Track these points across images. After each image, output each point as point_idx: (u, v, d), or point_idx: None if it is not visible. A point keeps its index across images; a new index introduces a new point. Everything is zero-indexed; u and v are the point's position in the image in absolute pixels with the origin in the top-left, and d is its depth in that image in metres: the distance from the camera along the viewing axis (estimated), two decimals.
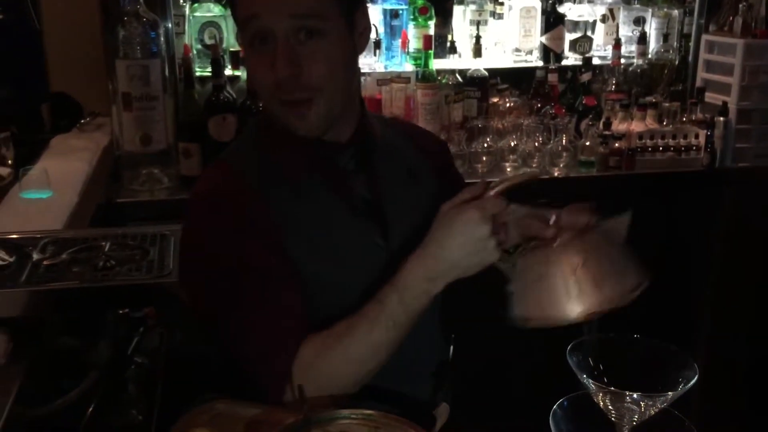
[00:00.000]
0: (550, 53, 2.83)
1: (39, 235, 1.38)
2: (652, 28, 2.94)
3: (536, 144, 2.57)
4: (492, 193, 1.11)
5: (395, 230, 1.32)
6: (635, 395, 0.86)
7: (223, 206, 1.25)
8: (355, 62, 1.31)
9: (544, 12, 2.83)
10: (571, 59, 2.88)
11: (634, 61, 2.91)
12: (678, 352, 0.92)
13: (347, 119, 1.33)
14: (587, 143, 2.59)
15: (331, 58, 1.20)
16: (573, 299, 1.03)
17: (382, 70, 2.66)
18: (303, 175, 1.28)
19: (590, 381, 0.90)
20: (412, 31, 2.67)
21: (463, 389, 1.25)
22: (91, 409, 1.25)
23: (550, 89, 2.80)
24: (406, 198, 1.36)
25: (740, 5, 2.71)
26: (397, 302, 1.14)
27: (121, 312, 1.48)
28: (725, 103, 2.68)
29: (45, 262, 1.26)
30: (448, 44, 2.76)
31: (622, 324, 1.12)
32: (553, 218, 1.10)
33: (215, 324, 1.24)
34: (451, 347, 1.49)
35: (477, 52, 2.70)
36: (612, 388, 0.88)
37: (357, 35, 1.27)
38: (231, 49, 2.54)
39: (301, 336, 1.18)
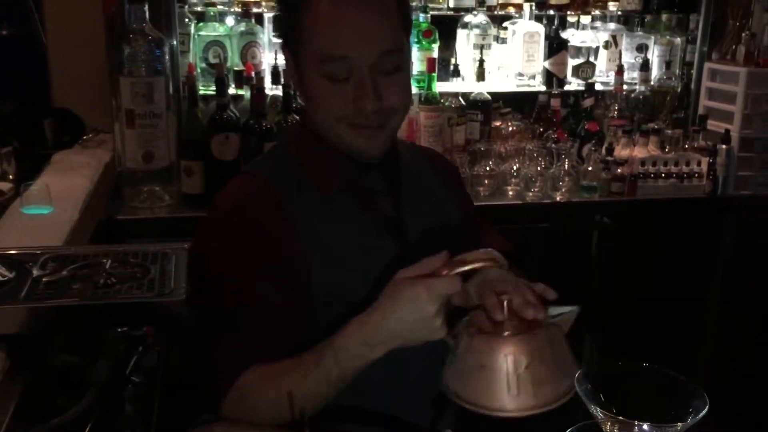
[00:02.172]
0: (552, 78, 2.84)
1: (39, 251, 1.37)
2: (654, 55, 2.95)
3: (538, 168, 2.57)
4: (451, 273, 1.10)
5: (415, 250, 1.31)
6: (645, 425, 0.85)
7: (240, 223, 1.28)
8: None
9: (547, 37, 2.84)
10: (574, 84, 2.89)
11: (637, 87, 2.92)
12: (688, 383, 0.91)
13: None
14: (589, 168, 2.59)
15: (404, 86, 1.30)
16: (511, 396, 1.05)
17: None
18: (334, 193, 1.31)
19: (598, 410, 0.89)
20: (416, 53, 2.67)
21: (470, 417, 1.23)
22: (88, 429, 1.22)
23: (553, 114, 2.81)
24: (426, 219, 1.38)
25: (743, 34, 2.73)
26: (331, 359, 1.14)
27: (120, 330, 1.46)
28: (728, 131, 2.69)
29: (45, 279, 1.24)
30: (452, 67, 2.77)
31: (627, 351, 1.11)
32: (506, 301, 1.10)
33: (198, 323, 1.28)
34: None
35: (480, 75, 2.71)
36: (621, 418, 0.87)
37: (410, 62, 1.36)
38: (235, 69, 2.55)
39: (248, 361, 1.22)
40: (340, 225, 1.29)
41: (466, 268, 1.11)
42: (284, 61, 1.32)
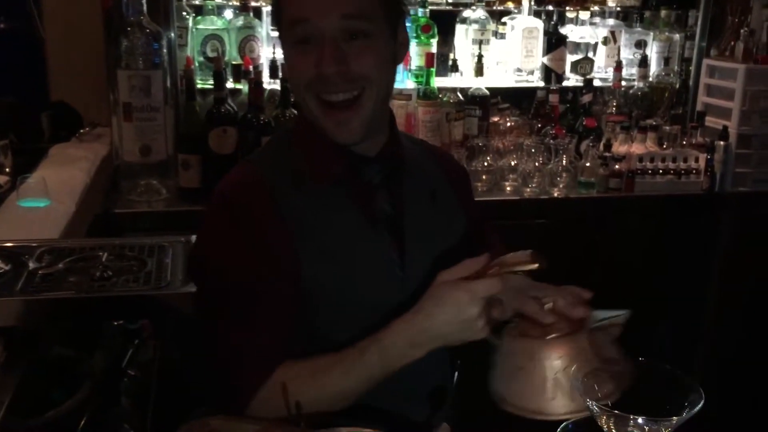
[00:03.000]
0: (551, 74, 2.84)
1: (36, 244, 1.36)
2: (653, 52, 2.95)
3: (536, 164, 2.57)
4: (492, 274, 1.11)
5: (411, 247, 1.33)
6: (640, 419, 0.85)
7: (236, 211, 1.28)
8: (395, 70, 1.34)
9: (546, 33, 2.84)
10: (572, 80, 2.89)
11: (635, 83, 2.92)
12: (684, 377, 0.91)
13: (378, 133, 1.34)
14: (587, 164, 2.59)
15: (375, 56, 1.24)
16: (550, 400, 1.06)
17: None
18: (328, 184, 1.30)
19: (594, 404, 0.89)
20: (414, 48, 2.67)
21: (468, 411, 1.24)
22: (83, 422, 1.22)
23: (551, 110, 2.80)
24: (426, 217, 1.37)
25: (742, 30, 2.73)
26: (377, 358, 1.15)
27: (116, 323, 1.46)
28: (725, 128, 2.69)
29: (41, 272, 1.24)
30: (450, 62, 2.77)
31: (623, 346, 1.11)
32: (549, 304, 1.12)
33: (203, 322, 1.26)
34: (456, 373, 1.48)
35: (479, 71, 2.70)
36: (616, 412, 0.87)
37: (398, 45, 1.30)
38: (233, 62, 2.54)
39: (279, 357, 1.21)
40: (334, 217, 1.28)
41: (509, 269, 1.11)
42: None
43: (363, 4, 1.21)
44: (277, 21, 1.30)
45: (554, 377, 1.06)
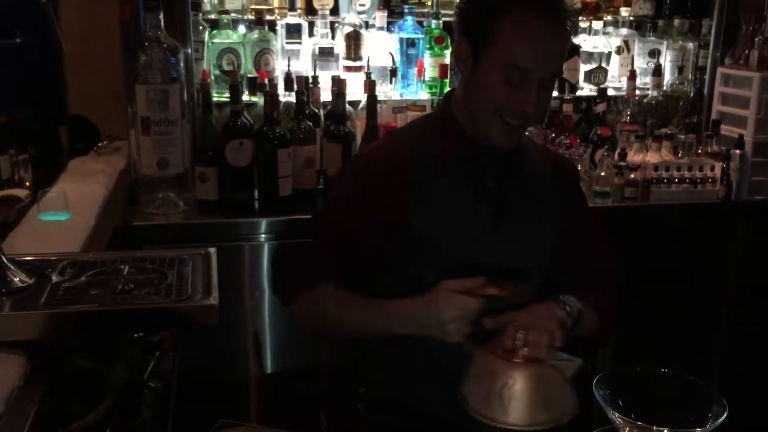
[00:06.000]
0: (565, 83, 2.84)
1: (58, 258, 1.38)
2: (667, 60, 2.95)
3: None
4: (476, 294, 1.31)
5: (508, 222, 1.55)
6: (665, 431, 0.85)
7: (364, 171, 1.58)
8: None
9: None
10: (586, 90, 2.89)
11: (649, 92, 2.92)
12: (707, 388, 0.91)
13: None
14: (602, 174, 2.58)
15: (551, 99, 1.59)
16: (485, 405, 1.25)
17: (398, 98, 2.68)
18: (450, 162, 1.54)
19: (617, 415, 0.89)
20: (428, 59, 2.69)
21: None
22: None
23: (565, 119, 2.80)
24: (528, 204, 1.58)
25: (756, 38, 2.72)
26: (381, 314, 1.43)
27: (137, 335, 1.47)
28: (741, 136, 2.68)
29: (64, 285, 1.26)
30: None
31: (640, 355, 1.11)
32: (521, 335, 1.29)
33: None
34: None
35: None
36: (639, 423, 0.87)
37: None
38: (249, 75, 2.56)
39: (327, 278, 1.51)
40: (448, 186, 1.53)
41: (489, 292, 1.31)
42: (457, 44, 1.54)
43: (563, 64, 1.58)
44: (483, 43, 1.46)
45: (494, 389, 1.24)
